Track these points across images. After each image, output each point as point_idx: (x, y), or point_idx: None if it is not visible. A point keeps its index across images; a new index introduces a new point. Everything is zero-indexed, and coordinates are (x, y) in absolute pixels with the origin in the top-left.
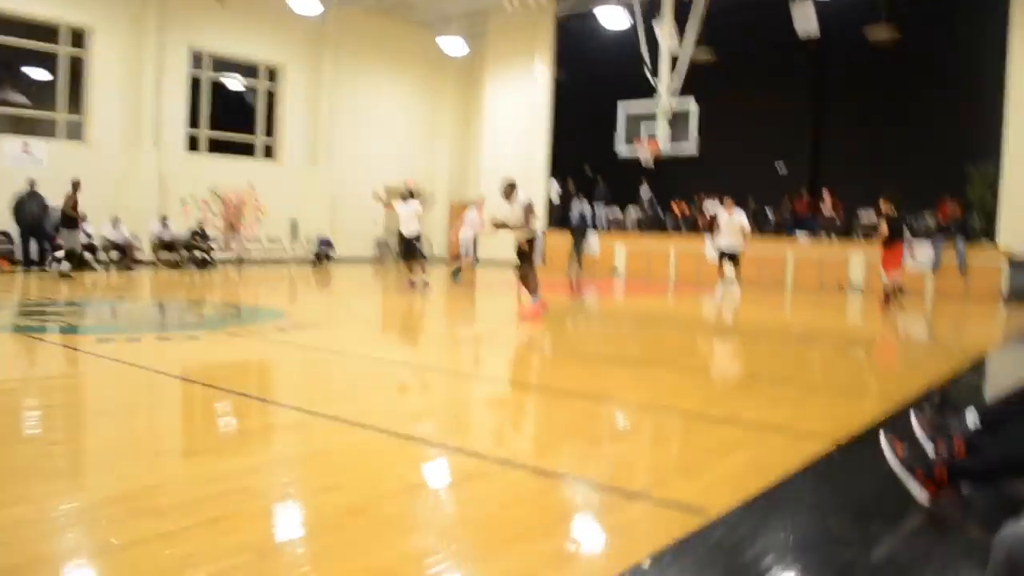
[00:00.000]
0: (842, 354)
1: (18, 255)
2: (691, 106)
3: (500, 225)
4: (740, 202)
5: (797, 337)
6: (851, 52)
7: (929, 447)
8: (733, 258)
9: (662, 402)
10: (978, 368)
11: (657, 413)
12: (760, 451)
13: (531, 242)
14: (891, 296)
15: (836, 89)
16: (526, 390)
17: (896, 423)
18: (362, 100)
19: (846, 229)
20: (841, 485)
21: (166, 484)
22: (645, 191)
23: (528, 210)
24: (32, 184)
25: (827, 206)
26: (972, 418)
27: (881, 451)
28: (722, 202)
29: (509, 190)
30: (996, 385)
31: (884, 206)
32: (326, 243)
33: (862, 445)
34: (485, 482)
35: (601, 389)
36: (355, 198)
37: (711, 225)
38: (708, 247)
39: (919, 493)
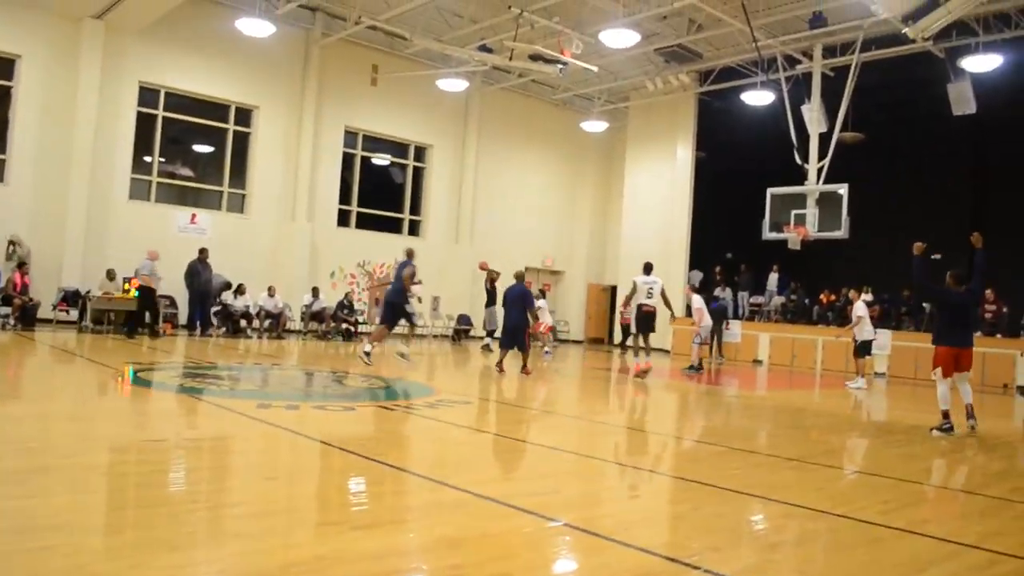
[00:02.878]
0: None
1: (181, 319)
2: (841, 189)
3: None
4: (893, 293)
5: (976, 442)
6: (1014, 135)
7: None
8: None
9: (836, 507)
10: None
11: (833, 519)
12: (955, 570)
13: None
14: None
15: (997, 174)
16: (686, 484)
17: None
18: (504, 179)
19: (1011, 327)
20: None
21: (337, 556)
22: (773, 280)
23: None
24: (204, 253)
25: (990, 303)
26: None
27: None
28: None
29: None
30: None
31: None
32: (466, 320)
33: None
34: None
35: (765, 488)
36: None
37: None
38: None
39: None
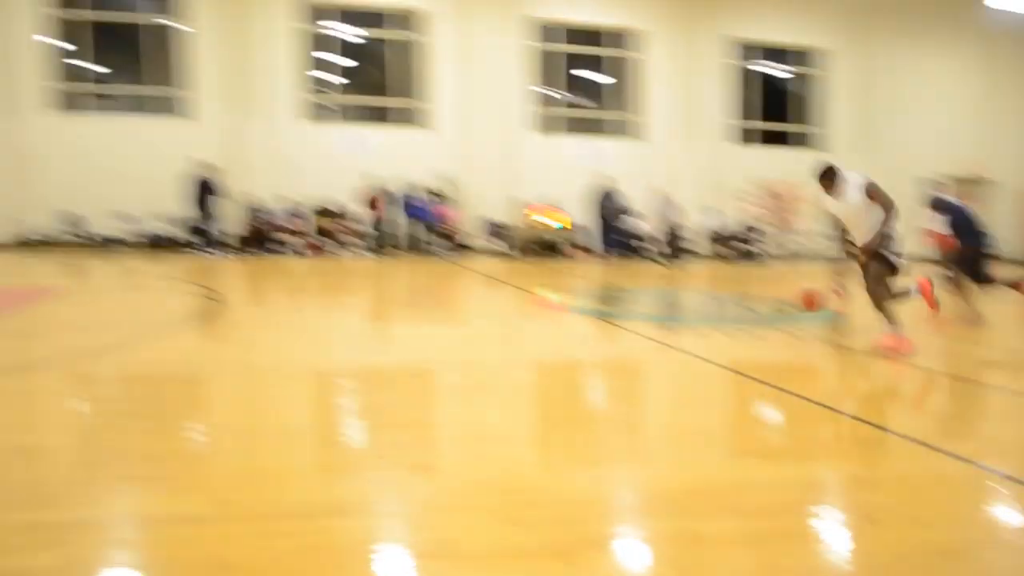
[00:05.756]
0: None
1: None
2: None
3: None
4: None
5: None
6: None
7: None
8: None
9: None
10: None
11: None
12: None
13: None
14: None
15: None
16: None
17: None
18: (905, 78)
19: None
20: None
21: (742, 483)
22: None
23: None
24: (610, 181)
25: None
26: None
27: None
28: None
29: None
30: None
31: None
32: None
33: None
34: None
35: None
36: (909, 187)
37: None
38: None
39: None
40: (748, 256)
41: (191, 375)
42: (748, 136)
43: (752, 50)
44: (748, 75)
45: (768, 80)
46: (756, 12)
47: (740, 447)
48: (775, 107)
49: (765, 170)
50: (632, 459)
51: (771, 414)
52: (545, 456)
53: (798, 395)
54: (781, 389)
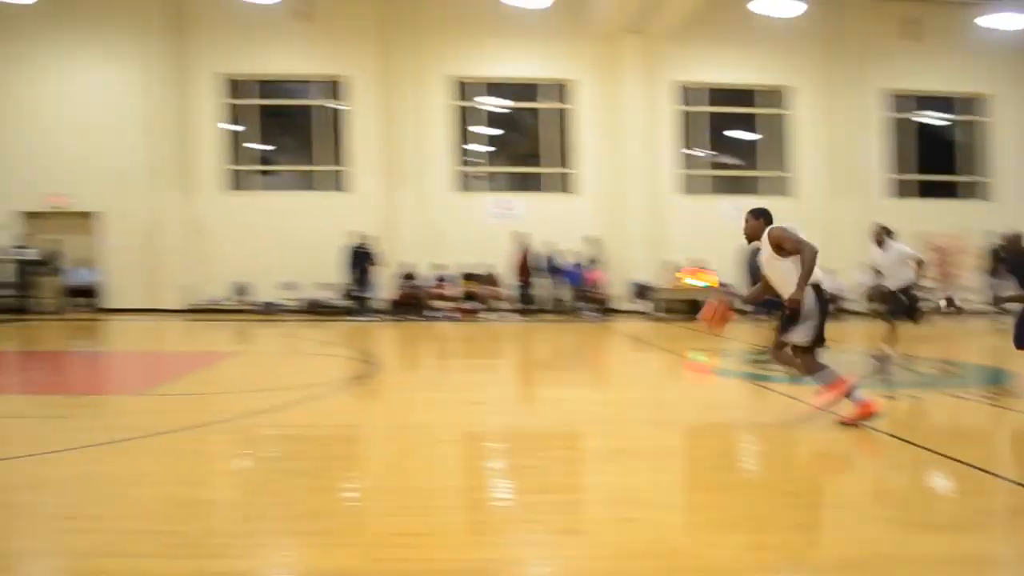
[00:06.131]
0: None
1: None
2: None
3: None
4: None
5: None
6: None
7: None
8: None
9: None
10: None
11: None
12: None
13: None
14: None
15: None
16: None
17: None
18: None
19: None
20: None
21: (903, 556)
22: None
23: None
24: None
25: None
26: None
27: None
28: None
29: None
30: None
31: None
32: None
33: None
34: None
35: None
36: None
37: None
38: None
39: None
40: (909, 314)
41: (348, 435)
42: (905, 189)
43: (906, 99)
44: (902, 125)
45: (925, 130)
46: (907, 61)
47: (899, 517)
48: (933, 157)
49: (925, 223)
50: (785, 527)
51: (933, 482)
52: (695, 522)
53: (961, 461)
54: (943, 455)
